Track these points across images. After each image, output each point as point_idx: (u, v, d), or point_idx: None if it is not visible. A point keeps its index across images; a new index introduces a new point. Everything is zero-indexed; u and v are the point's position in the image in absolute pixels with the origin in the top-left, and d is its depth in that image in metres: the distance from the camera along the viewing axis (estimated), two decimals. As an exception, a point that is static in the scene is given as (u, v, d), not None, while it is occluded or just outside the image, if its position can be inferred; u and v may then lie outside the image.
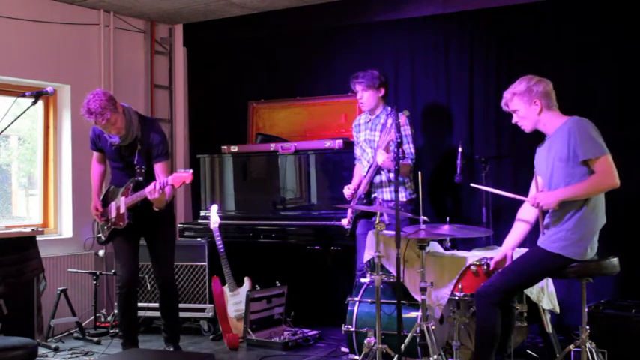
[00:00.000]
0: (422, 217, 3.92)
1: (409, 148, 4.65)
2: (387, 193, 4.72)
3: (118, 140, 4.37)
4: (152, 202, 4.26)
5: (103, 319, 5.67)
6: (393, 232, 3.84)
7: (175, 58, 6.76)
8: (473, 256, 4.05)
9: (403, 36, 5.59)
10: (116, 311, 5.37)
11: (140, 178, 4.38)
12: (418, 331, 3.88)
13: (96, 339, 5.22)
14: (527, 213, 3.73)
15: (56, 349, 4.94)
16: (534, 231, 3.70)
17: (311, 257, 5.79)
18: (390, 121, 4.40)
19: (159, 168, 4.39)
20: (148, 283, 5.44)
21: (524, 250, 3.76)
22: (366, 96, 4.78)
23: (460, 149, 4.80)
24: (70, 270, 5.68)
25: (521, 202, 3.70)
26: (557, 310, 4.21)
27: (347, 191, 4.81)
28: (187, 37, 6.69)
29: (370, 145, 4.83)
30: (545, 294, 4.10)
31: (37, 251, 5.03)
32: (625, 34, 4.79)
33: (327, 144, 5.41)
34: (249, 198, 5.84)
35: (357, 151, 5.02)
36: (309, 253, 5.75)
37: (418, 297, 3.92)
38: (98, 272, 5.67)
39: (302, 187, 5.62)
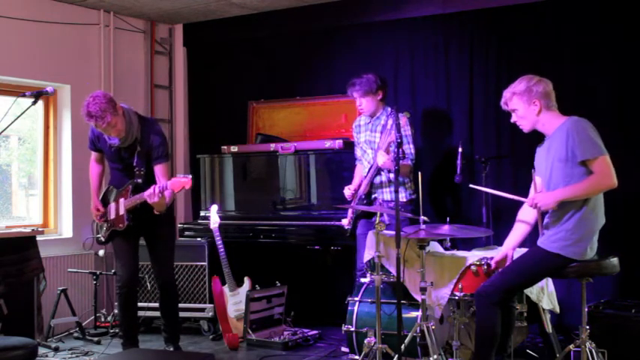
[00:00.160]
0: (422, 217, 3.92)
1: (409, 148, 4.65)
2: (387, 194, 4.72)
3: (118, 142, 4.36)
4: (152, 206, 4.25)
5: (103, 319, 5.67)
6: (393, 232, 3.84)
7: (175, 58, 6.76)
8: (473, 256, 4.05)
9: (403, 36, 5.59)
10: (116, 311, 5.38)
11: (139, 180, 4.37)
12: (418, 331, 3.88)
13: (96, 339, 5.22)
14: (527, 214, 3.73)
15: (56, 349, 4.94)
16: (535, 231, 3.70)
17: (311, 257, 5.79)
18: (390, 122, 4.40)
19: (159, 170, 4.38)
20: (148, 283, 5.44)
21: (524, 250, 3.76)
22: (364, 102, 4.78)
23: (460, 149, 4.80)
24: (70, 270, 5.68)
25: (521, 203, 3.70)
26: (557, 310, 4.21)
27: (347, 191, 4.82)
28: (187, 37, 6.69)
29: (370, 145, 4.83)
30: (545, 294, 4.10)
31: (37, 251, 5.03)
32: (625, 34, 4.79)
33: (327, 144, 5.41)
34: (249, 198, 5.84)
35: (358, 152, 5.02)
36: (309, 253, 5.75)
37: (418, 297, 3.92)
38: (98, 272, 5.67)
39: (302, 187, 5.62)
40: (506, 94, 3.65)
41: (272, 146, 5.66)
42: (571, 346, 3.63)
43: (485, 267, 3.93)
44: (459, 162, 4.77)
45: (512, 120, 3.70)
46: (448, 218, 4.05)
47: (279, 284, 5.37)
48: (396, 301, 3.78)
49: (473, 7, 5.23)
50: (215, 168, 5.98)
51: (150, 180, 4.35)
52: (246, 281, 5.27)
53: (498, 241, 4.68)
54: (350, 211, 4.84)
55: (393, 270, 4.14)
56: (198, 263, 5.47)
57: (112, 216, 4.47)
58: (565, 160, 3.46)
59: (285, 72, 6.20)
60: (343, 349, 4.71)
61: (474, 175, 5.12)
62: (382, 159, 4.45)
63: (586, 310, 3.60)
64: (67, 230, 5.93)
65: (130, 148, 4.39)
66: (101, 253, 5.85)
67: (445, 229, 3.91)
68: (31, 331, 4.84)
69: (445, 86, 5.42)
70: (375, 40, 5.73)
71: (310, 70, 6.07)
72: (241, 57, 6.42)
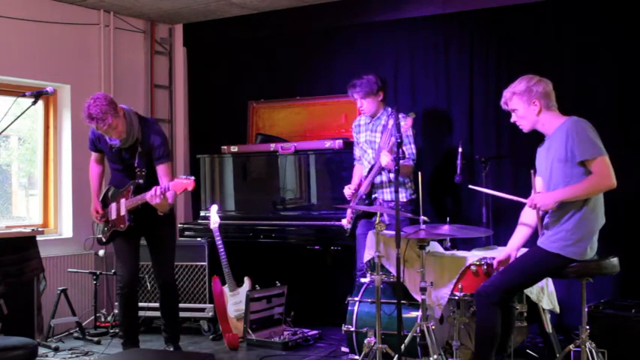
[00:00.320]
0: (422, 217, 3.92)
1: (410, 148, 4.65)
2: (387, 194, 4.72)
3: (119, 143, 4.35)
4: (155, 207, 4.25)
5: (103, 319, 5.67)
6: (393, 232, 3.84)
7: (175, 58, 6.76)
8: (473, 256, 4.05)
9: (403, 36, 5.59)
10: (116, 311, 5.38)
11: (140, 181, 4.37)
12: (418, 331, 3.88)
13: (96, 339, 5.22)
14: (528, 216, 3.74)
15: (56, 349, 4.94)
16: (536, 231, 3.70)
17: (311, 257, 5.79)
18: (391, 122, 4.39)
19: (161, 170, 4.38)
20: (148, 283, 5.44)
21: (524, 250, 3.76)
22: (365, 103, 4.78)
23: (460, 149, 4.80)
24: (70, 270, 5.68)
25: (521, 203, 3.70)
26: (557, 310, 4.21)
27: (347, 191, 4.81)
28: (187, 37, 6.68)
29: (371, 145, 4.83)
30: (545, 294, 4.10)
31: (37, 251, 5.03)
32: (625, 34, 4.79)
33: (327, 144, 5.41)
34: (249, 198, 5.84)
35: (357, 152, 5.02)
36: (309, 253, 5.75)
37: (418, 297, 3.92)
38: (98, 272, 5.67)
39: (302, 187, 5.62)
40: (506, 93, 3.65)
41: (272, 146, 5.67)
42: (571, 346, 3.63)
43: (485, 267, 3.93)
44: (459, 162, 4.77)
45: (512, 120, 3.70)
46: (448, 218, 4.05)
47: (279, 284, 5.37)
48: (396, 301, 3.78)
49: (473, 7, 5.23)
50: (215, 168, 5.98)
51: (151, 180, 4.35)
52: (246, 281, 5.27)
53: (498, 241, 4.70)
54: (349, 211, 4.84)
55: (393, 270, 4.14)
56: (198, 263, 5.47)
57: (113, 216, 4.47)
58: (564, 160, 3.46)
59: (285, 72, 6.20)
60: (343, 349, 4.71)
61: (474, 175, 5.12)
62: (386, 159, 4.44)
63: (586, 310, 3.61)
64: (67, 230, 5.93)
65: (131, 149, 4.39)
66: (101, 253, 5.85)
67: (445, 229, 3.91)
68: (31, 331, 4.84)
69: (445, 86, 5.42)
70: (375, 40, 5.73)
71: (310, 70, 6.07)
72: (241, 57, 6.42)
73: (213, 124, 6.55)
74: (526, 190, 3.76)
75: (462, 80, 5.34)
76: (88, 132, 4.57)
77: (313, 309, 5.65)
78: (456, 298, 3.93)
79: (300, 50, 6.14)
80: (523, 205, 3.68)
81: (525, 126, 3.65)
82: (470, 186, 4.12)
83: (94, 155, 4.67)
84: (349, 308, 4.41)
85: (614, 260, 3.57)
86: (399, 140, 3.74)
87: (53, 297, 5.34)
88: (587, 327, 3.56)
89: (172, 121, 6.74)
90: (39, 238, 5.14)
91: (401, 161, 3.85)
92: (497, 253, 4.00)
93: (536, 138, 3.73)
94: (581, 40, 4.92)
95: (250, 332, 5.03)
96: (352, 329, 4.35)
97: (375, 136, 4.81)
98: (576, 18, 4.94)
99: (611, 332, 4.09)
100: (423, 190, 4.00)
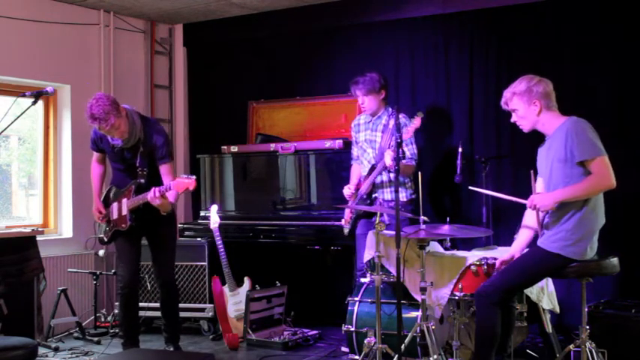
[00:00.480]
0: (422, 217, 3.92)
1: (412, 148, 4.65)
2: (387, 193, 4.71)
3: (121, 143, 4.36)
4: (157, 207, 4.26)
5: (103, 319, 5.67)
6: (393, 232, 3.84)
7: (175, 58, 6.76)
8: (473, 256, 4.05)
9: (403, 36, 5.59)
10: (116, 311, 5.38)
11: (142, 181, 4.37)
12: (418, 331, 3.88)
13: (96, 339, 5.22)
14: (530, 219, 3.74)
15: (56, 349, 4.94)
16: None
17: (311, 257, 5.79)
18: (392, 122, 4.39)
19: (164, 170, 4.38)
20: (148, 283, 5.44)
21: (525, 250, 3.76)
22: (367, 101, 4.78)
23: (460, 149, 4.80)
24: (70, 270, 5.68)
25: (522, 203, 3.69)
26: (557, 310, 4.21)
27: (347, 191, 4.81)
28: (187, 37, 6.68)
29: (371, 145, 4.83)
30: (545, 294, 4.10)
31: (37, 251, 5.02)
32: (625, 34, 4.79)
33: (327, 144, 5.42)
34: (249, 198, 5.84)
35: (355, 151, 5.02)
36: (309, 253, 5.75)
37: (418, 297, 3.92)
38: (98, 272, 5.67)
39: (302, 187, 5.62)
40: (507, 94, 3.65)
41: (272, 146, 5.67)
42: (571, 346, 3.63)
43: (485, 267, 3.93)
44: (459, 162, 4.77)
45: (512, 120, 3.70)
46: (448, 218, 4.05)
47: (279, 284, 5.37)
48: (396, 301, 3.78)
49: (473, 7, 5.23)
50: (215, 168, 5.98)
51: (153, 180, 4.35)
52: (246, 281, 5.27)
53: (498, 241, 4.70)
54: (347, 211, 4.84)
55: (393, 270, 4.14)
56: (198, 263, 5.47)
57: (115, 216, 4.47)
58: (564, 160, 3.46)
59: (285, 72, 6.20)
60: (343, 349, 4.71)
61: (474, 175, 5.12)
62: (390, 159, 4.43)
63: (586, 310, 3.61)
64: (67, 230, 5.93)
65: (133, 149, 4.39)
66: (101, 253, 5.85)
67: (445, 229, 3.91)
68: (31, 331, 4.84)
69: (445, 86, 5.42)
70: (375, 40, 5.73)
71: (310, 70, 6.07)
72: (241, 57, 6.42)
73: (213, 124, 6.55)
74: (526, 190, 3.76)
75: (462, 80, 5.34)
76: (90, 132, 4.57)
77: (313, 309, 5.65)
78: (456, 298, 3.93)
79: (300, 50, 6.14)
80: (523, 205, 3.68)
81: (525, 126, 3.66)
82: (470, 187, 4.12)
83: (95, 155, 4.67)
84: (349, 308, 4.41)
85: (614, 260, 3.57)
86: (399, 140, 3.75)
87: (53, 297, 5.34)
88: (587, 327, 3.56)
89: (172, 121, 6.74)
90: (39, 238, 5.14)
91: (404, 161, 3.85)
92: (498, 253, 4.00)
93: (536, 138, 3.73)
94: (581, 40, 4.92)
95: (250, 332, 5.03)
96: (352, 329, 4.35)
97: (375, 136, 4.81)
98: (576, 18, 4.94)
99: (611, 332, 4.09)
100: (423, 190, 4.00)
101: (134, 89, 6.45)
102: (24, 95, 3.89)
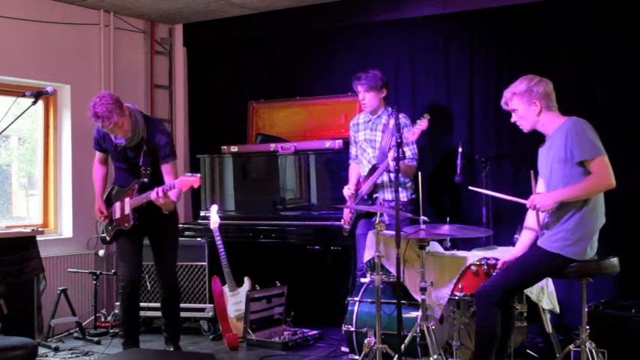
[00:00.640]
0: (422, 217, 3.92)
1: (413, 148, 4.65)
2: (387, 193, 4.71)
3: (124, 142, 4.36)
4: (160, 206, 4.26)
5: (103, 319, 5.67)
6: (393, 232, 3.84)
7: (175, 58, 6.76)
8: (473, 256, 4.05)
9: (403, 36, 5.59)
10: (116, 311, 5.38)
11: (145, 180, 4.37)
12: (418, 331, 3.88)
13: (96, 339, 5.22)
14: (531, 220, 3.73)
15: (56, 349, 4.94)
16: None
17: (311, 257, 5.79)
18: (395, 122, 4.38)
19: (167, 169, 4.38)
20: (149, 283, 5.44)
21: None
22: (368, 97, 4.78)
23: (460, 149, 4.80)
24: (70, 270, 5.68)
25: (522, 203, 3.69)
26: (557, 310, 4.21)
27: (347, 191, 4.81)
28: (187, 37, 6.68)
29: (371, 144, 4.83)
30: (545, 294, 4.10)
31: (37, 251, 5.02)
32: (625, 34, 4.79)
33: (327, 144, 5.42)
34: (249, 198, 5.84)
35: (353, 151, 5.01)
36: (309, 253, 5.75)
37: (418, 297, 3.92)
38: (98, 272, 5.67)
39: (302, 187, 5.62)
40: (507, 94, 3.65)
41: (272, 146, 5.67)
42: (571, 346, 3.63)
43: (486, 267, 3.93)
44: (459, 162, 4.77)
45: (512, 120, 3.70)
46: (448, 218, 4.05)
47: (279, 284, 5.37)
48: (396, 301, 3.78)
49: (473, 7, 5.24)
50: (215, 168, 5.98)
51: (155, 179, 4.36)
52: (246, 281, 5.27)
53: (498, 241, 4.70)
54: (347, 211, 4.84)
55: (393, 270, 4.14)
56: (198, 263, 5.47)
57: (118, 215, 4.47)
58: (564, 160, 3.46)
59: (285, 72, 6.20)
60: (343, 349, 4.71)
61: (474, 175, 5.12)
62: (390, 159, 4.42)
63: (586, 310, 3.61)
64: (67, 230, 5.93)
65: (136, 148, 4.39)
66: (101, 253, 5.85)
67: (445, 229, 3.91)
68: (31, 331, 4.84)
69: (445, 86, 5.42)
70: (375, 40, 5.73)
71: (310, 70, 6.07)
72: (241, 57, 6.42)
73: (213, 124, 6.55)
74: (526, 190, 3.76)
75: (462, 80, 5.34)
76: (91, 131, 4.57)
77: (313, 309, 5.65)
78: (456, 298, 3.93)
79: (300, 50, 6.14)
80: (523, 205, 3.68)
81: (525, 126, 3.66)
82: (470, 187, 4.12)
83: (98, 156, 4.66)
84: (349, 308, 4.41)
85: (614, 260, 3.57)
86: (399, 140, 3.75)
87: (53, 297, 5.34)
88: (587, 327, 3.56)
89: (172, 121, 6.74)
90: (39, 238, 5.14)
91: (405, 161, 3.84)
92: (498, 253, 4.00)
93: (537, 138, 3.72)
94: (581, 40, 4.92)
95: (250, 332, 5.03)
96: (352, 329, 4.34)
97: (375, 135, 4.81)
98: (576, 18, 4.94)
99: (611, 332, 4.09)
100: (423, 190, 4.00)
101: (134, 89, 6.45)
102: (24, 95, 3.89)
